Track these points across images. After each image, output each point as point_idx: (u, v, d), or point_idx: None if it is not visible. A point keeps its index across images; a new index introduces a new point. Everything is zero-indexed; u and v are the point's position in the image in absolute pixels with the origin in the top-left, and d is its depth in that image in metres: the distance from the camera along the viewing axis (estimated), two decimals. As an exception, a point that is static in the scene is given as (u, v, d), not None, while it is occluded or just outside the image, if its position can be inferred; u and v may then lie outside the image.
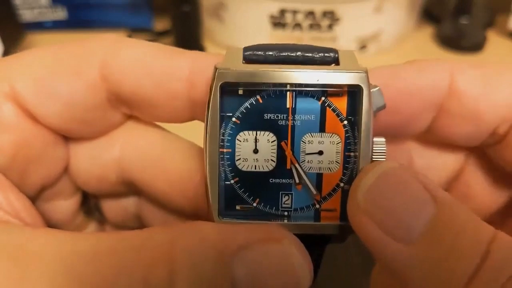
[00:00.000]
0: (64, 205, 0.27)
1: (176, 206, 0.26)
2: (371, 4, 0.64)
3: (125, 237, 0.19)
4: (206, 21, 0.69)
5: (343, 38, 0.66)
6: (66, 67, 0.22)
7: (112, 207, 0.28)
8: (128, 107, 0.24)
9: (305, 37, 0.65)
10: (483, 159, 0.26)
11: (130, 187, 0.26)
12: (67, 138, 0.25)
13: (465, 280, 0.17)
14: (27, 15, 0.71)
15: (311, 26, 0.64)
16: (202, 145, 0.21)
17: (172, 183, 0.25)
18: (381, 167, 0.19)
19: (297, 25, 0.64)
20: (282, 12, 0.63)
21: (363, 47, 0.67)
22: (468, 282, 0.17)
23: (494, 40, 0.70)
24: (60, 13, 0.72)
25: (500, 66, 0.23)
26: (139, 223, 0.28)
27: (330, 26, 0.64)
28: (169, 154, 0.25)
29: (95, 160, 0.25)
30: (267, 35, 0.65)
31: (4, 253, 0.18)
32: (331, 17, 0.64)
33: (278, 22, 0.64)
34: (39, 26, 0.72)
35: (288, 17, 0.64)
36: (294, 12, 0.63)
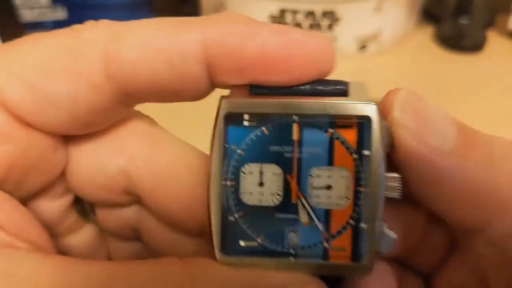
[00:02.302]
0: (52, 206, 0.24)
1: (183, 227, 0.24)
2: (371, 4, 0.64)
3: (142, 270, 0.18)
4: (206, 21, 0.69)
5: (343, 38, 0.65)
6: (62, 67, 0.19)
7: (107, 215, 0.26)
8: (143, 99, 0.21)
9: (305, 37, 0.65)
10: None
11: (134, 198, 0.24)
12: (66, 138, 0.23)
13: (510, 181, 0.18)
14: (27, 15, 0.71)
15: (311, 26, 0.64)
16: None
17: (183, 204, 0.23)
18: (403, 90, 0.20)
19: (297, 25, 0.64)
20: (282, 12, 0.63)
21: (363, 47, 0.67)
22: None
23: (494, 40, 0.70)
24: (60, 13, 0.72)
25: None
26: (135, 234, 0.26)
27: (330, 26, 0.64)
28: (183, 172, 0.23)
29: (99, 168, 0.23)
30: (267, 35, 0.65)
31: (14, 286, 0.17)
32: (331, 17, 0.64)
33: (278, 22, 0.64)
34: (39, 26, 0.72)
35: (288, 17, 0.64)
36: (294, 12, 0.63)
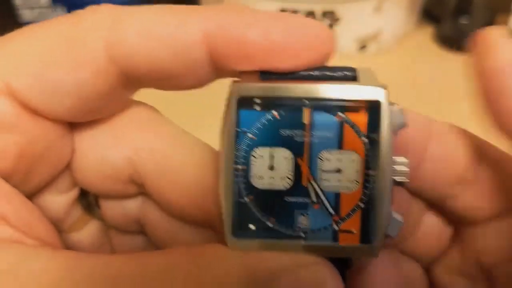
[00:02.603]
0: (56, 201, 0.24)
1: (189, 217, 0.24)
2: (371, 4, 0.64)
3: (150, 262, 0.18)
4: (206, 21, 0.69)
5: (343, 38, 0.66)
6: (66, 55, 0.20)
7: (111, 208, 0.26)
8: (144, 84, 0.22)
9: (305, 37, 0.65)
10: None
11: (139, 189, 0.25)
12: (72, 128, 0.23)
13: None
14: (27, 15, 0.71)
15: (311, 26, 0.64)
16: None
17: (188, 194, 0.23)
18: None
19: (297, 25, 0.64)
20: (282, 12, 0.64)
21: (363, 47, 0.67)
22: None
23: (494, 40, 0.70)
24: (60, 13, 0.72)
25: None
26: (139, 228, 0.26)
27: (330, 26, 0.64)
28: (188, 163, 0.23)
29: (104, 157, 0.23)
30: (267, 35, 0.65)
31: (19, 284, 0.17)
32: (331, 17, 0.64)
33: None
34: (39, 26, 0.72)
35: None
36: (294, 12, 0.63)
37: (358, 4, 0.63)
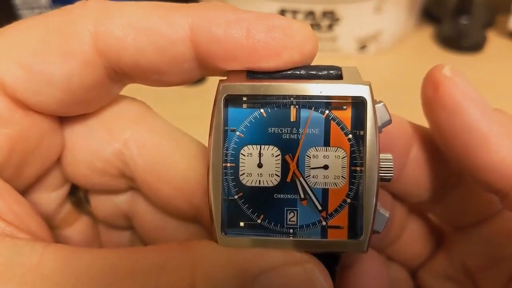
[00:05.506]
0: (48, 197, 0.25)
1: (178, 211, 0.24)
2: (371, 4, 0.64)
3: (144, 257, 0.18)
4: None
5: (343, 38, 0.65)
6: (55, 47, 0.20)
7: (101, 203, 0.26)
8: (130, 78, 0.22)
9: (305, 37, 0.65)
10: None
11: (128, 183, 0.25)
12: (62, 123, 0.23)
13: None
14: (27, 15, 0.71)
15: (311, 26, 0.64)
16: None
17: (177, 189, 0.23)
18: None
19: (297, 25, 0.64)
20: (282, 12, 0.63)
21: (363, 47, 0.67)
22: None
23: (494, 40, 0.70)
24: (60, 13, 0.72)
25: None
26: (128, 223, 0.27)
27: (330, 26, 0.64)
28: (177, 158, 0.24)
29: (95, 151, 0.23)
30: (267, 35, 0.65)
31: (15, 276, 0.17)
32: (331, 17, 0.64)
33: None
34: (39, 26, 0.72)
35: (288, 17, 0.64)
36: (294, 12, 0.63)
37: (358, 4, 0.63)
